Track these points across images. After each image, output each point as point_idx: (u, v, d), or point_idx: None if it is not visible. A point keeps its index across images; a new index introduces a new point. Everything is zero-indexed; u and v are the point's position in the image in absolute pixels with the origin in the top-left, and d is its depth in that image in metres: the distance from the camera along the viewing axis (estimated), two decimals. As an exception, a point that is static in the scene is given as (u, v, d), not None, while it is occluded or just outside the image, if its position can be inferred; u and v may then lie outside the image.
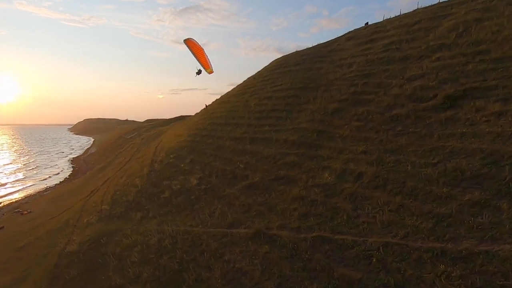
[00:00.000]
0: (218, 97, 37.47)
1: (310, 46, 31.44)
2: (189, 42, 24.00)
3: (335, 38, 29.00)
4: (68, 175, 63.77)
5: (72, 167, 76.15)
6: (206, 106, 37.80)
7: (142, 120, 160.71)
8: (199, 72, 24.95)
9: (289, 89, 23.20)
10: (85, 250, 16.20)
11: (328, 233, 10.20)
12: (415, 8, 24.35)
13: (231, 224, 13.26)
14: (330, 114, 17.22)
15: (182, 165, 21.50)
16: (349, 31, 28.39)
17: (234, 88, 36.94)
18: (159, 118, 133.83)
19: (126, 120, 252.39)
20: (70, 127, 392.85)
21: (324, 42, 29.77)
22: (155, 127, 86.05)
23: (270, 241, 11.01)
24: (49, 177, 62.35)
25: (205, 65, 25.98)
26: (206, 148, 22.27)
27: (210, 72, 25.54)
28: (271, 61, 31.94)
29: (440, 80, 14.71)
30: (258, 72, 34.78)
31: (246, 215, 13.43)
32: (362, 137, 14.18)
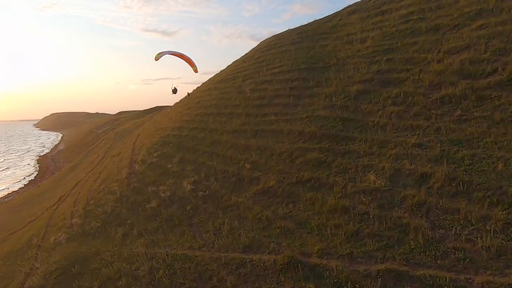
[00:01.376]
0: (194, 86, 33.49)
1: (285, 30, 28.06)
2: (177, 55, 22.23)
3: (334, 13, 25.77)
4: (34, 177, 57.79)
5: (39, 166, 69.62)
6: (188, 94, 33.75)
7: (114, 112, 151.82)
8: (174, 91, 23.67)
9: (291, 70, 19.87)
10: (52, 285, 12.47)
11: (402, 265, 7.19)
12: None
13: (247, 246, 10.02)
14: (353, 98, 14.12)
15: (170, 166, 17.85)
16: (350, 5, 25.24)
17: (219, 73, 33.10)
18: (133, 110, 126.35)
19: (97, 113, 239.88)
20: (35, 122, 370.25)
21: (322, 18, 26.48)
22: (129, 120, 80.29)
23: (314, 275, 7.90)
24: (23, 178, 56.36)
25: (191, 63, 23.55)
26: (197, 144, 18.67)
27: (196, 70, 23.70)
28: (245, 48, 28.45)
29: (494, 51, 11.91)
30: (246, 54, 31.07)
31: (267, 234, 10.23)
32: (408, 126, 11.20)
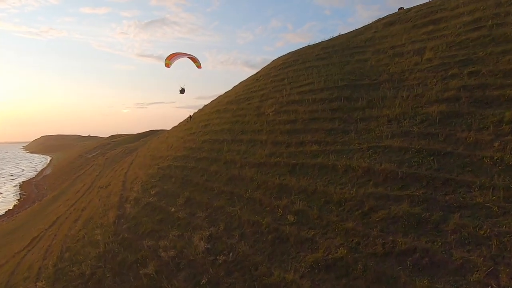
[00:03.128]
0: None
1: (275, 57, 24.70)
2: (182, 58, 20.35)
3: (362, 27, 22.49)
4: (13, 206, 51.96)
5: (20, 194, 63.66)
6: (190, 116, 29.70)
7: (106, 136, 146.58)
8: (182, 91, 21.85)
9: (326, 89, 16.03)
10: None
11: None
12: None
13: None
14: (438, 123, 10.13)
15: (173, 209, 13.40)
16: (382, 17, 22.04)
17: (225, 95, 29.28)
18: (125, 133, 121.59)
19: (89, 136, 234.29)
20: (25, 144, 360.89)
21: (348, 32, 23.18)
22: (121, 144, 75.53)
23: None
24: None
25: (194, 60, 21.01)
26: (209, 179, 14.35)
27: (199, 66, 21.52)
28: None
29: None
30: (258, 73, 27.40)
31: None
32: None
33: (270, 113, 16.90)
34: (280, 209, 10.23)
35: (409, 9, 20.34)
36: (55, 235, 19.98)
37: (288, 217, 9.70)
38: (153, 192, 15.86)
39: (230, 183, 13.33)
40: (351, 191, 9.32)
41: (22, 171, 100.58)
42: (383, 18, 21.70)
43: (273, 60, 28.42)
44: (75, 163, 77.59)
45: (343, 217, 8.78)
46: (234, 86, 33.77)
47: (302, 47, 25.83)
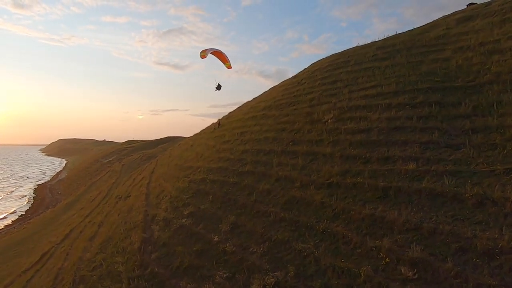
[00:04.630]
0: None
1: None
2: (214, 53, 19.74)
3: (427, 24, 19.48)
4: (25, 211, 50.14)
5: (34, 198, 62.12)
6: (219, 123, 27.09)
7: (121, 141, 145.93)
8: (218, 87, 21.03)
9: (402, 92, 13.03)
10: None
11: None
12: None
13: None
14: None
15: (216, 239, 10.50)
16: (450, 14, 19.03)
17: (258, 99, 26.54)
18: (140, 139, 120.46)
19: (104, 140, 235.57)
20: (42, 147, 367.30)
21: (406, 31, 20.18)
22: (137, 150, 73.71)
23: None
24: (13, 212, 48.48)
25: (225, 60, 20.05)
26: (259, 201, 11.42)
27: (229, 67, 20.54)
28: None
29: None
30: (297, 76, 24.58)
31: None
32: None
33: (329, 120, 13.95)
34: (382, 254, 7.19)
35: (488, 3, 17.24)
36: (67, 254, 17.34)
37: (402, 270, 6.64)
38: (186, 212, 13.00)
39: (290, 207, 10.35)
40: (503, 237, 6.22)
41: (39, 174, 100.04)
42: (453, 14, 18.67)
43: (313, 63, 25.58)
44: (90, 168, 76.09)
45: (502, 278, 5.68)
46: (265, 92, 31.11)
47: (348, 48, 22.91)
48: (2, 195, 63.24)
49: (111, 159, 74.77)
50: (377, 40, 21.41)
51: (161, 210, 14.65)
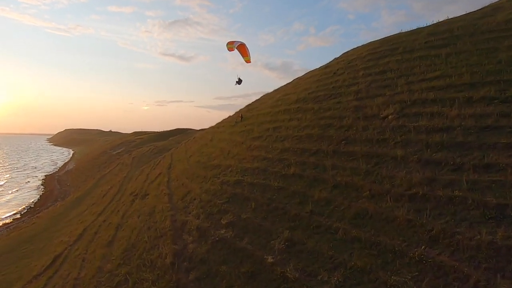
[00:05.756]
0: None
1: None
2: (238, 47, 19.79)
3: (485, 7, 17.22)
4: (34, 203, 48.90)
5: (43, 189, 60.95)
6: (241, 115, 25.19)
7: (126, 131, 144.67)
8: (239, 82, 21.12)
9: (483, 84, 10.97)
10: None
11: None
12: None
13: None
14: None
15: (270, 260, 8.63)
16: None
17: (283, 91, 24.48)
18: (148, 131, 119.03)
19: (110, 131, 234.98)
20: (49, 137, 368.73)
21: (459, 16, 17.94)
22: (147, 142, 72.15)
23: None
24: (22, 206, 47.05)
25: (245, 53, 20.34)
26: (316, 212, 9.51)
27: (248, 61, 20.69)
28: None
29: None
30: (330, 65, 22.44)
31: None
32: None
33: (389, 116, 11.94)
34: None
35: None
36: (83, 260, 15.69)
37: None
38: (225, 221, 11.16)
39: (362, 223, 8.45)
40: None
41: (46, 164, 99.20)
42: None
43: (346, 52, 23.43)
44: (99, 159, 74.80)
45: None
46: (289, 83, 29.06)
47: (390, 35, 20.68)
48: (17, 186, 62.14)
49: (119, 150, 73.33)
50: (424, 26, 19.17)
51: (191, 216, 12.83)
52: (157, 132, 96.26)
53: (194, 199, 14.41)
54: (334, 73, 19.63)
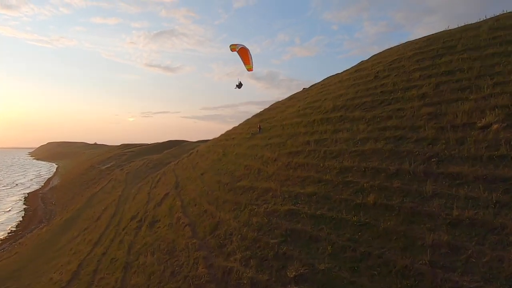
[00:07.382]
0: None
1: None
2: (239, 50, 18.81)
3: (501, 14, 15.12)
4: (16, 226, 44.10)
5: (25, 209, 55.88)
6: (259, 126, 22.35)
7: (112, 144, 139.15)
8: (239, 86, 20.66)
9: None
10: None
11: None
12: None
13: None
14: None
15: None
16: None
17: (304, 99, 21.79)
18: (135, 142, 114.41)
19: (95, 144, 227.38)
20: (31, 150, 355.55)
21: (482, 20, 15.77)
22: (138, 156, 68.08)
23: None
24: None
25: (247, 61, 19.25)
26: (437, 263, 6.60)
27: (250, 69, 19.67)
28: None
29: None
30: (359, 68, 19.92)
31: None
32: None
33: (494, 126, 9.25)
34: None
35: None
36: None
37: None
38: (292, 274, 8.10)
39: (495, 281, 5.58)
40: None
41: (30, 180, 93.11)
42: None
43: (380, 53, 21.05)
44: (86, 174, 70.09)
45: None
46: (308, 90, 26.49)
47: (432, 33, 18.32)
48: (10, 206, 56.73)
49: (109, 165, 68.91)
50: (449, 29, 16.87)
51: (235, 262, 9.67)
52: (148, 144, 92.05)
53: (231, 235, 11.28)
54: (375, 76, 17.04)
